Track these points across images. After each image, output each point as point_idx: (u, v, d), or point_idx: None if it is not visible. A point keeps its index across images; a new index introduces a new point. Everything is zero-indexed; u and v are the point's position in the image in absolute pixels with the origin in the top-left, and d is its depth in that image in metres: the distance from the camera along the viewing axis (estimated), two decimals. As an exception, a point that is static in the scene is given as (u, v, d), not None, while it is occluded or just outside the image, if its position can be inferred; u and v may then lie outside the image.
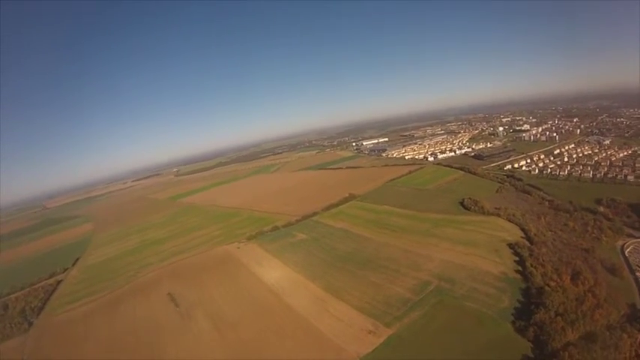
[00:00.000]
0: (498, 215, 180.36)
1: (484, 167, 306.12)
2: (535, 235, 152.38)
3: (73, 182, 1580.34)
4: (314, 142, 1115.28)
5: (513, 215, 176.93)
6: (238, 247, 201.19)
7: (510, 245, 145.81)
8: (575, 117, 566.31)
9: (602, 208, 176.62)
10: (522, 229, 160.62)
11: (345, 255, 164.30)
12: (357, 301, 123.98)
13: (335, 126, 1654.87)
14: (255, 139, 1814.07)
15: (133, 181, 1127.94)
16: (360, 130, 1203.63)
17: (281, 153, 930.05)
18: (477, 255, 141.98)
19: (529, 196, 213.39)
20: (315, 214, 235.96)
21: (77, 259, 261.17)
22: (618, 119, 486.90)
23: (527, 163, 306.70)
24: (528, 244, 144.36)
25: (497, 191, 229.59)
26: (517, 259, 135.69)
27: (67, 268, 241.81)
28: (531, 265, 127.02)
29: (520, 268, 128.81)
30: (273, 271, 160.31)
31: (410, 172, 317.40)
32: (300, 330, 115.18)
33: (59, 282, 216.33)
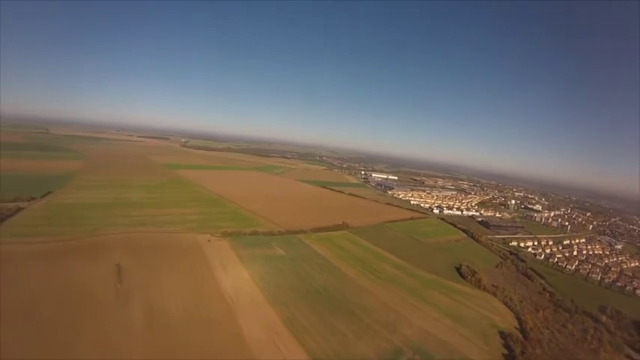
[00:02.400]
0: (494, 294, 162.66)
1: (489, 236, 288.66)
2: (531, 329, 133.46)
3: (88, 117, 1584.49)
4: (324, 158, 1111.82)
5: (510, 299, 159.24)
6: (209, 241, 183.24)
7: (502, 334, 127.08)
8: (587, 211, 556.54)
9: (604, 318, 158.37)
10: (518, 319, 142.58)
11: (318, 288, 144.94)
12: (314, 347, 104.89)
13: (348, 149, 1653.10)
14: (268, 136, 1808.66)
15: (139, 136, 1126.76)
16: (371, 160, 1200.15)
17: (289, 158, 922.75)
18: (463, 335, 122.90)
19: (530, 281, 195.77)
20: (301, 231, 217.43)
21: (48, 193, 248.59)
22: (631, 226, 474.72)
23: (534, 245, 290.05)
24: (522, 339, 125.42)
25: (497, 266, 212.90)
26: (506, 352, 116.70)
27: (34, 198, 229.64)
28: None
29: None
30: (235, 281, 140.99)
31: (412, 219, 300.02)
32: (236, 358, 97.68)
33: (19, 209, 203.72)
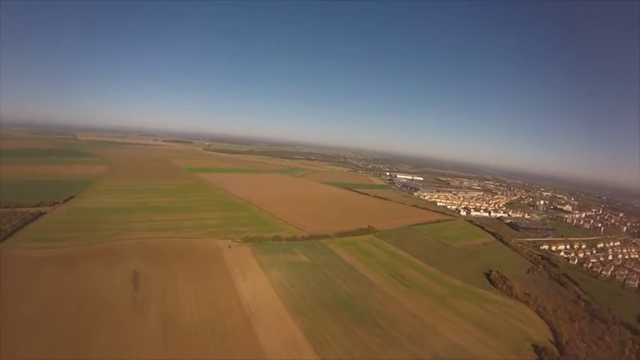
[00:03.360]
0: (527, 303, 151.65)
1: (518, 240, 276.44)
2: (567, 343, 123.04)
3: (115, 123, 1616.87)
4: (349, 159, 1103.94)
5: (544, 309, 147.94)
6: (229, 247, 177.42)
7: (536, 348, 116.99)
8: (620, 211, 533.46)
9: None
10: (552, 330, 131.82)
11: (343, 297, 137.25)
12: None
13: (372, 150, 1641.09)
14: (292, 139, 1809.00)
15: (163, 140, 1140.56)
16: (395, 161, 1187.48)
17: (313, 160, 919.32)
18: (494, 348, 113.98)
19: (563, 288, 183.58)
20: (325, 236, 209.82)
21: (70, 197, 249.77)
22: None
23: (566, 248, 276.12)
24: (558, 354, 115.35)
25: (528, 271, 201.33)
26: None
27: (57, 203, 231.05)
28: None
29: None
30: (255, 289, 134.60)
31: (438, 221, 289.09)
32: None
33: (41, 214, 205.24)
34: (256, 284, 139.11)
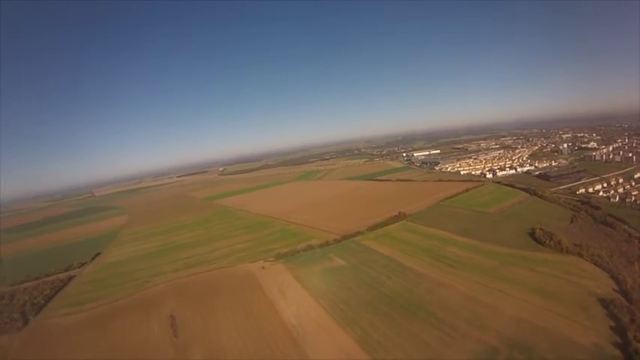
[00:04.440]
0: (580, 255, 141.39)
1: (552, 190, 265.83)
2: (632, 288, 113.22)
3: (128, 172, 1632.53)
4: (362, 150, 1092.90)
5: (599, 257, 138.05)
6: (263, 268, 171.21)
7: (602, 302, 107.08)
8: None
9: None
10: (614, 278, 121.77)
11: (389, 294, 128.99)
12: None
13: (384, 135, 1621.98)
14: (304, 144, 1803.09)
15: (178, 176, 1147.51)
16: (408, 141, 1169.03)
17: (328, 159, 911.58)
18: (559, 313, 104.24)
19: (612, 230, 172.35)
20: (358, 233, 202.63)
21: (97, 255, 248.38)
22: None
23: (603, 187, 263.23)
24: (626, 303, 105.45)
25: (571, 221, 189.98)
26: (613, 324, 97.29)
27: (84, 263, 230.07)
28: (636, 339, 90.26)
29: (619, 340, 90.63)
30: (297, 307, 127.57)
31: (467, 190, 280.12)
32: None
33: (71, 278, 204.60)
34: (298, 301, 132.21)
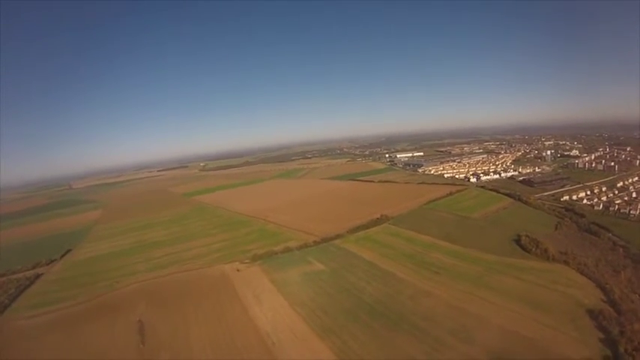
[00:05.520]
0: (566, 263, 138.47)
1: (536, 196, 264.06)
2: (620, 299, 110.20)
3: (110, 164, 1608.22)
4: (345, 149, 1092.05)
5: (585, 265, 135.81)
6: (238, 270, 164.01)
7: (591, 313, 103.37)
8: (626, 146, 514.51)
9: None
10: (601, 288, 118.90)
11: (370, 302, 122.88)
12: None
13: (367, 135, 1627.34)
14: (286, 141, 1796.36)
15: (159, 170, 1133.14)
16: (392, 142, 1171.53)
17: (310, 158, 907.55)
18: (547, 324, 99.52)
19: (597, 238, 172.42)
20: (338, 236, 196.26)
21: (68, 251, 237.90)
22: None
23: (587, 195, 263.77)
24: (615, 314, 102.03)
25: (556, 228, 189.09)
26: (602, 336, 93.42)
27: (54, 260, 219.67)
28: (627, 353, 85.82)
29: (610, 354, 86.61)
30: (273, 314, 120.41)
31: (450, 194, 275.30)
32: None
33: (38, 276, 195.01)
34: (273, 308, 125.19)
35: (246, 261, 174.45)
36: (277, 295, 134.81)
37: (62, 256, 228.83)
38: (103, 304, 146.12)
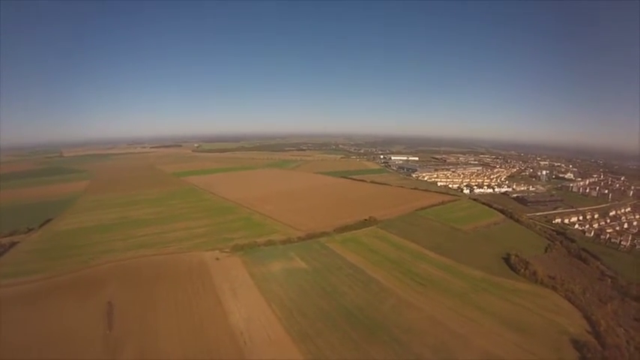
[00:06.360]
0: (554, 289, 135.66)
1: (529, 215, 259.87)
2: (605, 331, 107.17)
3: (104, 136, 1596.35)
4: (340, 146, 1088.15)
5: (573, 293, 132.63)
6: (217, 259, 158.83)
7: (575, 343, 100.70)
8: (620, 175, 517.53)
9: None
10: (586, 318, 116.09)
11: (351, 308, 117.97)
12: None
13: (364, 134, 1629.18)
14: (283, 131, 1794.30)
15: (152, 146, 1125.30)
16: (388, 143, 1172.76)
17: (305, 150, 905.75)
18: (531, 351, 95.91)
19: (586, 265, 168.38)
20: (324, 234, 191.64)
21: (48, 221, 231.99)
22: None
23: (579, 220, 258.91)
24: (599, 347, 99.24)
25: (546, 250, 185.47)
26: None
27: (32, 229, 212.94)
28: None
29: None
30: (248, 311, 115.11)
31: (442, 203, 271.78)
32: None
33: (14, 244, 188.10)
34: (249, 304, 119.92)
35: (227, 250, 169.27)
36: (255, 291, 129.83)
37: (41, 225, 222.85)
38: (75, 281, 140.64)
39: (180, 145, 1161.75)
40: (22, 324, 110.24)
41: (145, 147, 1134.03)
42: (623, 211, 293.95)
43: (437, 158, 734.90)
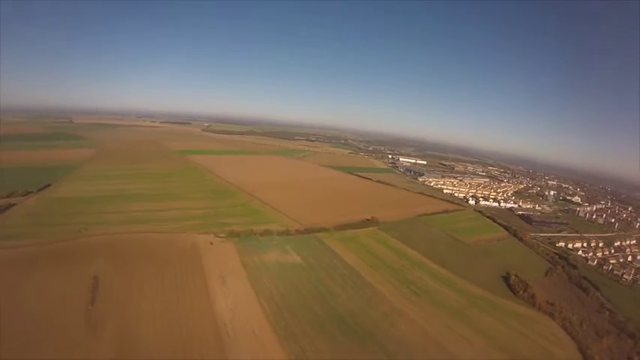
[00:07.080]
0: (552, 316, 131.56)
1: (532, 235, 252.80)
2: None
3: (116, 106, 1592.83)
4: (350, 140, 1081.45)
5: (570, 322, 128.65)
6: (211, 243, 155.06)
7: None
8: (627, 205, 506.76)
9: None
10: (582, 352, 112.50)
11: (342, 312, 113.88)
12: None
13: (374, 132, 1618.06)
14: (293, 119, 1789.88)
15: (161, 122, 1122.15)
16: (396, 144, 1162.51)
17: (314, 141, 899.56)
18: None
19: (585, 295, 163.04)
20: (323, 229, 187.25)
21: (46, 186, 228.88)
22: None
23: (583, 246, 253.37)
24: None
25: (546, 273, 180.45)
26: None
27: (30, 193, 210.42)
28: None
29: None
30: (236, 302, 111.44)
31: (446, 211, 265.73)
32: None
33: (10, 206, 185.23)
34: (237, 295, 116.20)
35: (222, 235, 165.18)
36: (245, 281, 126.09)
37: (40, 189, 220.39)
38: (64, 250, 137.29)
39: (190, 123, 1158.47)
40: (8, 290, 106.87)
41: (154, 121, 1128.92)
42: (628, 242, 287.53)
43: (445, 164, 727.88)
